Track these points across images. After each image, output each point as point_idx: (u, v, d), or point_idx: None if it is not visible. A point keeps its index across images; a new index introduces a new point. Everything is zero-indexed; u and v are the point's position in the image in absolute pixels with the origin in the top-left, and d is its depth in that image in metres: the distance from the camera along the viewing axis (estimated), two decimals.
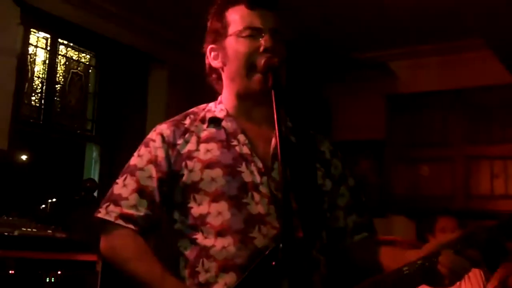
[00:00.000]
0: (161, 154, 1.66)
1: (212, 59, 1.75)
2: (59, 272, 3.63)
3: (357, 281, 1.57)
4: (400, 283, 1.51)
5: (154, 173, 1.65)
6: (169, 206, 1.68)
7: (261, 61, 1.61)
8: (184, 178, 1.63)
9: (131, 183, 1.65)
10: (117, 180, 1.69)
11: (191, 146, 1.66)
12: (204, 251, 1.57)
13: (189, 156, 1.64)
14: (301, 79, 5.87)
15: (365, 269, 1.72)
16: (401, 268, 1.51)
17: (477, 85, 5.74)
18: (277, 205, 1.57)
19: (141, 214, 1.63)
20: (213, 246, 1.56)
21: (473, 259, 1.45)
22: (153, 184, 1.65)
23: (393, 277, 1.52)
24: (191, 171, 1.62)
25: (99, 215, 1.65)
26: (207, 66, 1.78)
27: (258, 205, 1.58)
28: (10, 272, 3.34)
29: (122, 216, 1.62)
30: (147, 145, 1.70)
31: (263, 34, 1.64)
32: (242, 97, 1.71)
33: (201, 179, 1.61)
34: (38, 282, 3.53)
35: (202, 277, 1.57)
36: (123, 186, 1.66)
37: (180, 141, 1.67)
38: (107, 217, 1.64)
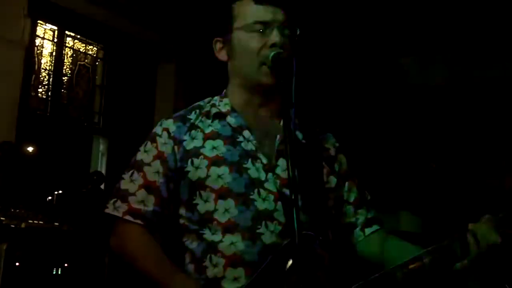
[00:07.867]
0: (167, 150, 1.65)
1: (217, 51, 1.74)
2: (65, 265, 3.64)
3: (361, 276, 1.57)
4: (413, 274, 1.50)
5: (161, 168, 1.64)
6: (175, 202, 1.67)
7: (270, 56, 1.59)
8: (189, 175, 1.62)
9: (138, 178, 1.64)
10: (124, 175, 1.68)
11: (197, 142, 1.65)
12: (212, 247, 1.57)
13: (195, 152, 1.63)
14: (309, 74, 5.86)
15: (377, 262, 1.71)
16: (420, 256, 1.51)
17: None
18: (284, 201, 1.57)
19: (149, 209, 1.62)
20: (221, 241, 1.56)
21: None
22: (160, 179, 1.64)
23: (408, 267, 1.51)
24: (197, 168, 1.62)
25: (107, 210, 1.65)
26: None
27: (264, 202, 1.57)
28: (17, 264, 3.35)
29: (130, 212, 1.62)
30: (153, 140, 1.68)
31: (271, 29, 1.62)
32: (249, 92, 1.70)
33: (208, 176, 1.60)
34: (45, 274, 3.54)
35: (209, 272, 1.56)
36: (130, 182, 1.65)
37: (186, 137, 1.66)
38: (115, 213, 1.63)
